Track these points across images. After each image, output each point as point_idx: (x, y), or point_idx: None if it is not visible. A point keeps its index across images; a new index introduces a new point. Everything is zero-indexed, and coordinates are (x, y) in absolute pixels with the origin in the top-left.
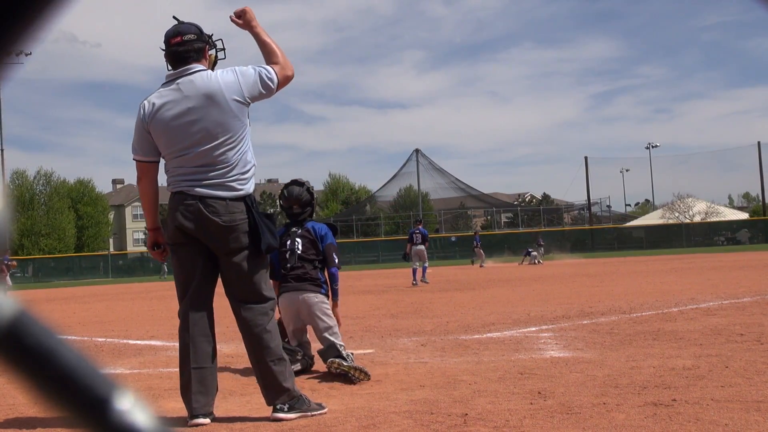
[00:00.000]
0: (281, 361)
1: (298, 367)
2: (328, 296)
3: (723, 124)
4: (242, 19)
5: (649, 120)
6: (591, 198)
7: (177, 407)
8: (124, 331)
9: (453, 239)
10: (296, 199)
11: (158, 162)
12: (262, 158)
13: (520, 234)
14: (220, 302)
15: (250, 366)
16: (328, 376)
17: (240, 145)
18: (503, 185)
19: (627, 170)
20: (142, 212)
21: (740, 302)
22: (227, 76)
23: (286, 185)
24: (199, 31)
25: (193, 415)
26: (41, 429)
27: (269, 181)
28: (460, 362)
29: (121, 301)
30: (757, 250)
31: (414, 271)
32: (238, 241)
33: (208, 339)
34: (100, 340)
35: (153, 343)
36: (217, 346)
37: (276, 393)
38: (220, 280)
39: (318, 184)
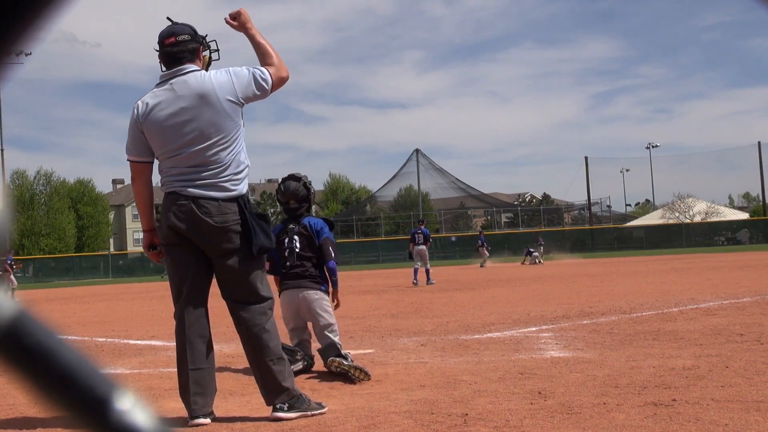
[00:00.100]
0: (281, 361)
1: (298, 366)
2: (328, 293)
3: (723, 124)
4: (237, 21)
5: (649, 120)
6: (591, 198)
7: (177, 407)
8: (124, 331)
9: (453, 239)
10: (293, 194)
11: (152, 162)
12: (262, 158)
13: (520, 234)
14: (220, 302)
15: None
16: (328, 376)
17: (233, 146)
18: (503, 185)
19: (627, 170)
20: None
21: (740, 302)
22: (221, 76)
23: (283, 180)
24: (193, 32)
25: (193, 415)
26: (41, 429)
27: (269, 181)
28: (460, 362)
29: (121, 301)
30: (757, 250)
31: (415, 271)
32: (231, 242)
33: (204, 340)
34: (100, 340)
35: (153, 343)
36: (218, 346)
37: (276, 393)
38: (215, 280)
39: (318, 184)
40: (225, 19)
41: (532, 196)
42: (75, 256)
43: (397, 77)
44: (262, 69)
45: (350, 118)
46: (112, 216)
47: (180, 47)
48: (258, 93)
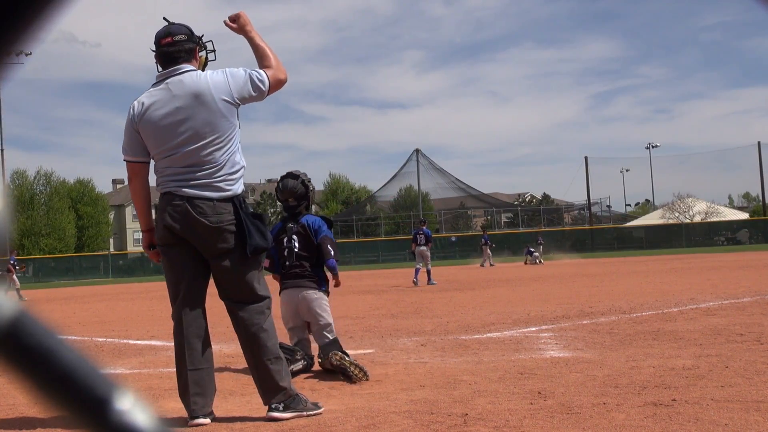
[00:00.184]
0: (278, 360)
1: (298, 366)
2: (327, 293)
3: (723, 124)
4: (236, 24)
5: (649, 120)
6: (591, 198)
7: (177, 407)
8: (124, 331)
9: (453, 239)
10: (291, 192)
11: (148, 163)
12: (262, 158)
13: (520, 234)
14: (220, 302)
15: None
16: (328, 376)
17: (228, 146)
18: (503, 185)
19: (627, 170)
20: None
21: (740, 302)
22: (217, 76)
23: (282, 178)
24: (189, 32)
25: (192, 416)
26: (41, 429)
27: (269, 181)
28: (460, 362)
29: (121, 301)
30: (757, 250)
31: (416, 271)
32: (226, 242)
33: (203, 340)
34: (100, 340)
35: (153, 343)
36: (217, 346)
37: (272, 392)
38: (212, 280)
39: (318, 184)
40: (224, 21)
41: (532, 196)
42: (75, 256)
43: (397, 77)
44: (260, 71)
45: (350, 118)
46: (112, 216)
47: (176, 47)
48: (254, 94)
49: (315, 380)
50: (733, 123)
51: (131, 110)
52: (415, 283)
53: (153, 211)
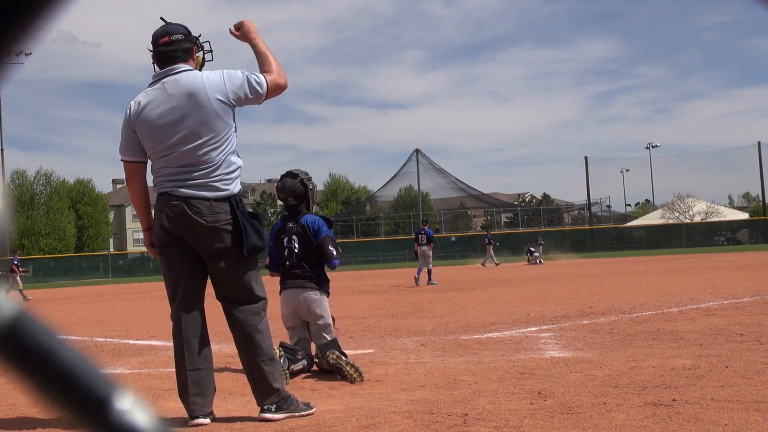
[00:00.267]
0: (272, 362)
1: (299, 366)
2: (327, 293)
3: (723, 124)
4: (240, 31)
5: (649, 120)
6: (591, 198)
7: (177, 407)
8: (124, 331)
9: (453, 239)
10: (290, 191)
11: (145, 163)
12: (262, 158)
13: (520, 234)
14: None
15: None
16: (328, 376)
17: (224, 146)
18: (503, 185)
19: (627, 170)
20: None
21: (740, 302)
22: (213, 76)
23: (281, 177)
24: (187, 32)
25: (192, 416)
26: (41, 429)
27: (269, 181)
28: (460, 362)
29: (121, 301)
30: (757, 250)
31: (419, 270)
32: (223, 242)
33: (202, 340)
34: (100, 340)
35: (153, 343)
36: (217, 347)
37: (266, 393)
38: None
39: (318, 184)
40: (229, 30)
41: (532, 196)
42: (75, 256)
43: (397, 77)
44: (258, 74)
45: (350, 118)
46: (112, 216)
47: (174, 46)
48: (251, 96)
49: (315, 380)
50: (733, 123)
51: (128, 110)
52: (417, 281)
53: (153, 210)
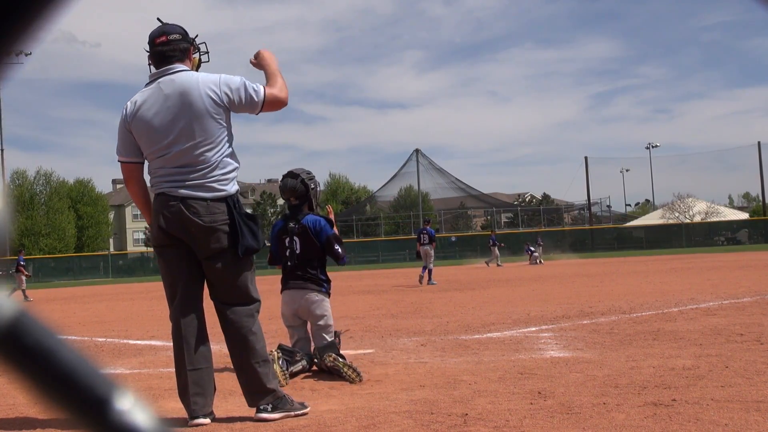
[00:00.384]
0: (266, 363)
1: (298, 367)
2: (329, 294)
3: (723, 124)
4: (257, 59)
5: (649, 120)
6: (591, 198)
7: (177, 407)
8: (124, 331)
9: (453, 239)
10: (291, 191)
11: (142, 163)
12: (262, 158)
13: (520, 234)
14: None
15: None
16: (327, 376)
17: (220, 146)
18: (503, 185)
19: (627, 170)
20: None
21: (740, 302)
22: (209, 77)
23: (283, 177)
24: (184, 32)
25: (193, 416)
26: (41, 429)
27: (269, 181)
28: (460, 362)
29: (121, 301)
30: (757, 250)
31: (423, 269)
32: (219, 242)
33: (201, 340)
34: (100, 340)
35: (153, 343)
36: (217, 347)
37: (261, 394)
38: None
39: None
40: (250, 60)
41: (532, 196)
42: (75, 256)
43: (397, 77)
44: (257, 84)
45: (350, 118)
46: (112, 216)
47: (171, 46)
48: (245, 102)
49: (315, 380)
50: (733, 123)
51: (124, 110)
52: (421, 279)
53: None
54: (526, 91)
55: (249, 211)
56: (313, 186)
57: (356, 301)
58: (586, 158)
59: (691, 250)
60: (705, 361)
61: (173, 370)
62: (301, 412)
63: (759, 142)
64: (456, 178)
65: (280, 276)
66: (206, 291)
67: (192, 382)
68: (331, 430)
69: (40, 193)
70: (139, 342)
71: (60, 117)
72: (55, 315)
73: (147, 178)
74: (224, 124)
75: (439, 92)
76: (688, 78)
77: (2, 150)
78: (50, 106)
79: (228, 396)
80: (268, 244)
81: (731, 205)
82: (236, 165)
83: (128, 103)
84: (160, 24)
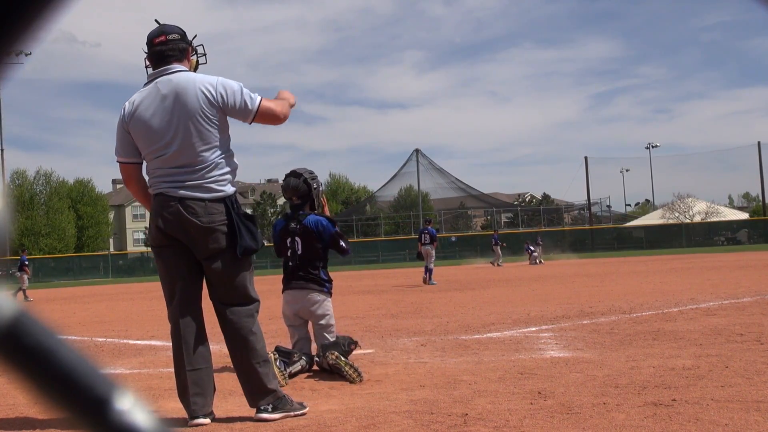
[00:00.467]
0: (266, 363)
1: (297, 368)
2: (331, 294)
3: (723, 124)
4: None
5: (649, 120)
6: (591, 198)
7: (177, 407)
8: (124, 331)
9: (453, 239)
10: (293, 191)
11: (141, 164)
12: (262, 158)
13: (520, 234)
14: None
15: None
16: (328, 376)
17: (217, 147)
18: (503, 185)
19: (627, 170)
20: (142, 212)
21: (740, 302)
22: (207, 78)
23: (286, 176)
24: (183, 33)
25: (193, 416)
26: (41, 429)
27: (269, 181)
28: (460, 362)
29: (121, 301)
30: (757, 250)
31: (426, 269)
32: (218, 243)
33: (200, 340)
34: (100, 340)
35: (153, 343)
36: (217, 347)
37: (262, 395)
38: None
39: None
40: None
41: (532, 196)
42: (75, 256)
43: (397, 77)
44: (256, 93)
45: (350, 118)
46: (112, 216)
47: (170, 45)
48: (238, 107)
49: (315, 380)
50: (733, 123)
51: (122, 110)
52: (425, 281)
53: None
54: (526, 91)
55: (249, 211)
56: (315, 186)
57: (356, 301)
58: (586, 158)
59: (691, 250)
60: (705, 361)
61: (173, 370)
62: (301, 412)
63: (759, 142)
64: (456, 178)
65: (279, 276)
66: (206, 291)
67: (191, 383)
68: (331, 430)
69: (40, 193)
70: (139, 342)
71: (60, 117)
72: (55, 315)
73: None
74: (221, 125)
75: (439, 92)
76: (688, 78)
77: (2, 150)
78: (50, 106)
79: (228, 396)
80: (268, 245)
81: (731, 205)
82: (234, 166)
83: (126, 104)
84: (158, 25)
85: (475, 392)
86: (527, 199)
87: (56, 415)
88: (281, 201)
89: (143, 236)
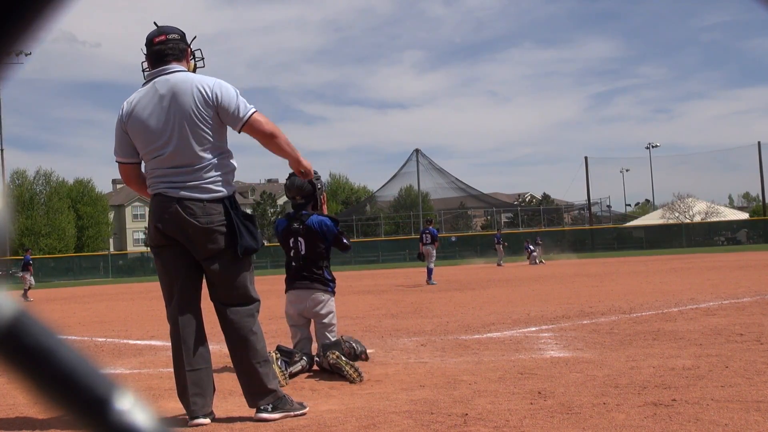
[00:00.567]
0: (266, 363)
1: (297, 368)
2: (334, 293)
3: (723, 124)
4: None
5: (649, 120)
6: (591, 198)
7: (177, 407)
8: (124, 331)
9: (453, 239)
10: (298, 190)
11: (139, 163)
12: (262, 158)
13: (520, 234)
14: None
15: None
16: (328, 376)
17: (215, 147)
18: (503, 185)
19: (627, 170)
20: (142, 212)
21: (740, 302)
22: (205, 78)
23: (290, 175)
24: (182, 33)
25: (192, 416)
26: (41, 429)
27: (269, 181)
28: (460, 362)
29: (121, 301)
30: (757, 250)
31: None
32: (216, 243)
33: (199, 340)
34: (100, 340)
35: (153, 343)
36: (217, 347)
37: (262, 395)
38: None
39: None
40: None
41: (532, 196)
42: (75, 256)
43: (397, 77)
44: (253, 106)
45: (350, 118)
46: (111, 216)
47: (169, 45)
48: (231, 111)
49: (315, 380)
50: (733, 123)
51: (120, 110)
52: (428, 282)
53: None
54: (526, 91)
55: (249, 211)
56: (319, 186)
57: (356, 301)
58: (586, 158)
59: (691, 250)
60: (705, 361)
61: (173, 370)
62: (301, 412)
63: (759, 142)
64: (456, 178)
65: (280, 276)
66: (206, 291)
67: (191, 383)
68: (331, 430)
69: (40, 193)
70: (139, 342)
71: (60, 117)
72: (55, 315)
73: None
74: (218, 126)
75: (439, 92)
76: (688, 78)
77: (2, 150)
78: (50, 106)
79: (228, 396)
80: (268, 245)
81: (731, 205)
82: (233, 166)
83: (125, 103)
84: (158, 27)
85: (475, 392)
86: (527, 199)
87: (56, 415)
88: (281, 201)
89: (143, 236)
